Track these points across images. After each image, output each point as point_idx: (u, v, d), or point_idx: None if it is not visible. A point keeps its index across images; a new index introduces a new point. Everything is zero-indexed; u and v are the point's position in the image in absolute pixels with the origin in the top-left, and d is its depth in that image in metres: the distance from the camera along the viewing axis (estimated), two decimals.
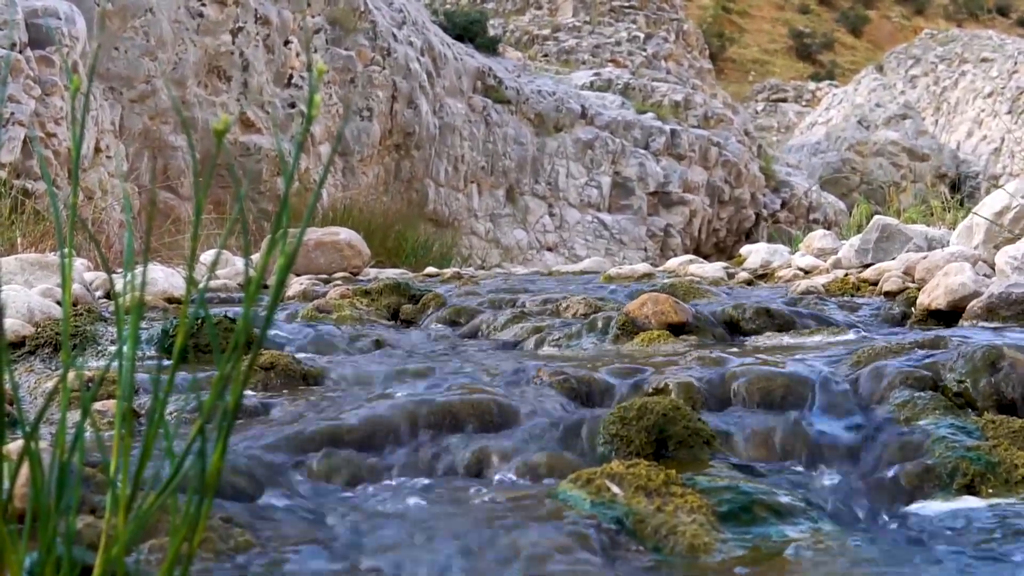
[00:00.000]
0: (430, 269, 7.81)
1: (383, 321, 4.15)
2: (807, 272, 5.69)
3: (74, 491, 1.02)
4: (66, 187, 8.49)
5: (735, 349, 2.97)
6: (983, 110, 33.53)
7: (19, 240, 6.27)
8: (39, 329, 3.31)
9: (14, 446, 1.25)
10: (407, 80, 15.69)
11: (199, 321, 3.07)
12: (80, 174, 8.50)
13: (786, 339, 3.23)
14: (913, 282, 4.15)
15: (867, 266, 5.07)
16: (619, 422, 1.98)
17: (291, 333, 3.48)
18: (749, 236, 22.25)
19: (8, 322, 3.29)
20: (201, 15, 11.59)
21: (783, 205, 24.22)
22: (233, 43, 12.09)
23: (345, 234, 7.33)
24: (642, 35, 29.11)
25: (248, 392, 2.51)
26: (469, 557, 1.39)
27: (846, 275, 4.86)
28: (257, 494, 1.69)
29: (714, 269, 6.23)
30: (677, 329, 3.31)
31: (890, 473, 1.81)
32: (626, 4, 29.66)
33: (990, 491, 1.73)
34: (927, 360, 2.31)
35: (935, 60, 37.26)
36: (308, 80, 12.92)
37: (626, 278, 6.03)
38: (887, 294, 4.16)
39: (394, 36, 15.62)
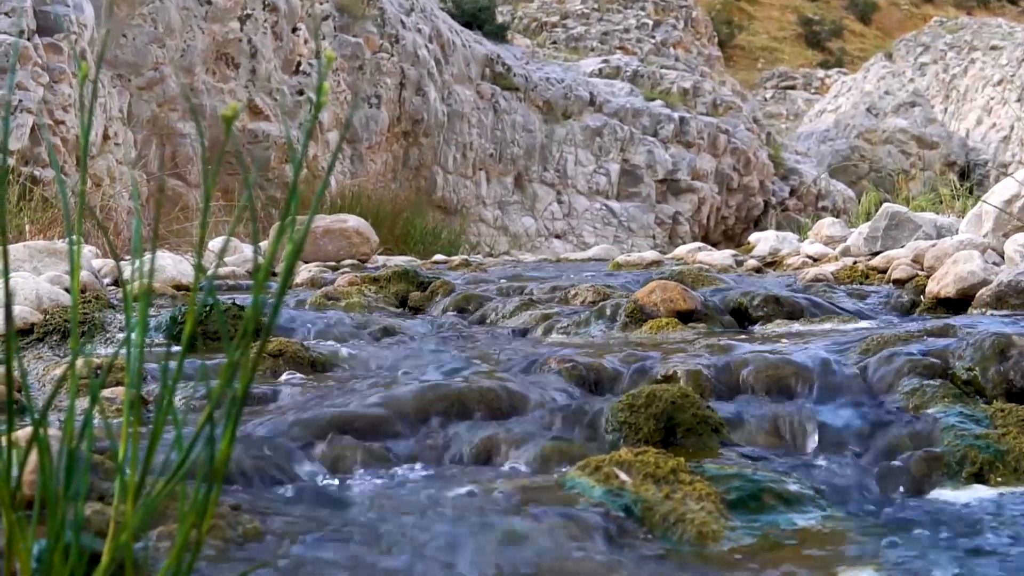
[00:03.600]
0: (438, 256, 7.81)
1: (391, 308, 4.15)
2: (816, 260, 5.68)
3: (82, 478, 1.02)
4: (74, 174, 8.50)
5: (743, 337, 2.96)
6: (992, 98, 33.43)
7: (27, 227, 6.28)
8: (48, 316, 3.32)
9: (23, 433, 1.25)
10: (415, 67, 15.67)
11: (208, 308, 3.07)
12: (88, 161, 8.50)
13: (795, 327, 3.22)
14: (922, 270, 4.14)
15: (876, 254, 5.05)
16: (627, 409, 1.97)
17: (300, 320, 3.48)
18: (758, 224, 22.23)
19: (17, 309, 3.30)
20: (209, 2, 11.58)
21: (792, 193, 24.18)
22: (241, 30, 12.09)
23: (353, 221, 7.34)
24: (651, 22, 29.06)
25: (257, 379, 2.51)
26: (478, 544, 1.39)
27: (855, 263, 4.85)
28: (266, 481, 1.69)
29: (722, 257, 6.22)
30: (685, 317, 3.31)
31: (899, 461, 1.80)
32: None
33: (999, 479, 1.72)
34: (936, 348, 2.31)
35: (944, 48, 37.15)
36: (316, 67, 12.92)
37: (634, 265, 6.03)
38: (896, 282, 4.15)
39: (402, 23, 15.60)
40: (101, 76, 9.82)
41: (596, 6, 29.62)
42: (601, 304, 3.48)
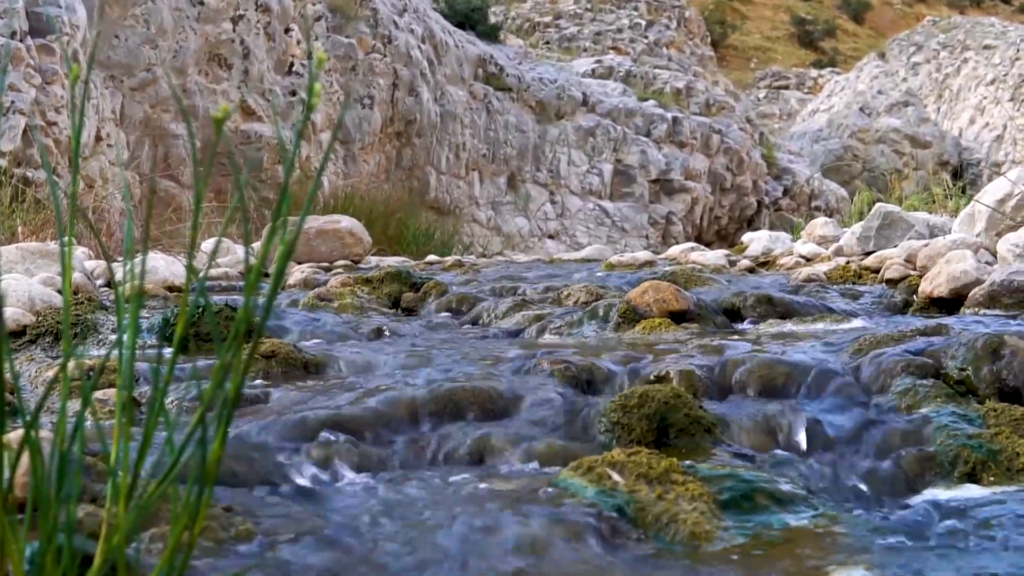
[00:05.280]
0: (431, 257, 7.81)
1: (384, 309, 4.14)
2: (809, 260, 5.68)
3: (75, 480, 1.02)
4: (67, 176, 8.49)
5: (736, 337, 2.96)
6: (985, 97, 33.47)
7: (20, 229, 6.27)
8: (40, 318, 3.31)
9: (15, 435, 1.25)
10: (408, 68, 15.67)
11: (200, 309, 3.07)
12: (80, 163, 8.48)
13: (788, 327, 3.22)
14: (915, 270, 4.15)
15: (869, 254, 5.06)
16: (620, 410, 1.97)
17: (292, 322, 3.48)
18: (751, 224, 22.23)
19: (9, 311, 3.29)
20: (202, 3, 11.56)
21: (785, 192, 24.19)
22: (234, 31, 12.07)
23: (346, 222, 7.33)
24: (643, 22, 29.06)
25: (249, 381, 2.51)
26: (470, 545, 1.39)
27: (848, 263, 4.86)
28: (258, 483, 1.69)
29: (715, 257, 6.23)
30: (678, 317, 3.31)
31: (892, 461, 1.80)
32: None
33: (991, 479, 1.73)
34: (929, 348, 2.31)
35: (937, 47, 37.17)
36: (309, 68, 12.90)
37: (627, 266, 6.03)
38: (889, 282, 4.16)
39: (395, 24, 15.59)
40: (93, 77, 9.81)
41: (589, 6, 29.61)
42: (594, 304, 3.48)
